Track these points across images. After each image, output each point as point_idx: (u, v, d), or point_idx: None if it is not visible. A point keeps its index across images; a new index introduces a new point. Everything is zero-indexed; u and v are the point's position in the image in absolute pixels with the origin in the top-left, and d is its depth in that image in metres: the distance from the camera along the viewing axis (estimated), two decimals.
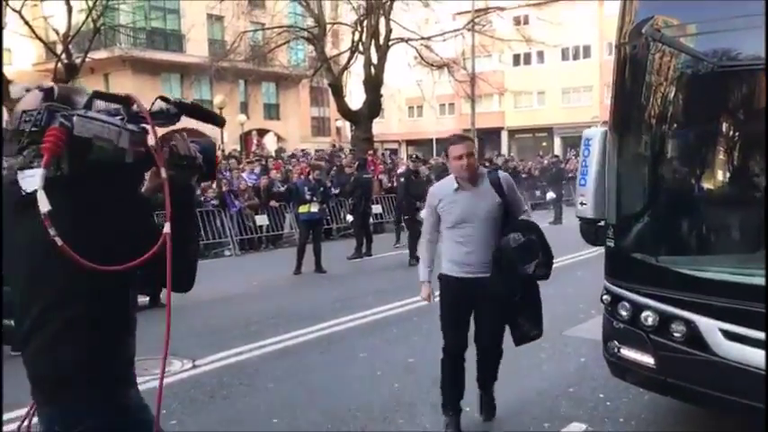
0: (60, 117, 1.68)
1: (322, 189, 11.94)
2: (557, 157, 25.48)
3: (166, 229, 1.75)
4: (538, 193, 22.38)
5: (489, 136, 42.44)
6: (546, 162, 24.83)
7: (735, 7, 3.45)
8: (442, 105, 42.53)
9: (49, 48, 17.22)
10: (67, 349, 1.79)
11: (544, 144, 42.57)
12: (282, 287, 10.42)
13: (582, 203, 4.28)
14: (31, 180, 1.69)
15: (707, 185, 4.03)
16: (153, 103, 1.85)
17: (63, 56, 15.73)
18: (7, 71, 18.40)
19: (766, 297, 3.11)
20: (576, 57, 41.85)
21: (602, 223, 4.14)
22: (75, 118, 1.68)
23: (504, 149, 43.52)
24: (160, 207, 1.81)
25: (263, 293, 9.86)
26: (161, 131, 1.84)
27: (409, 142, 46.67)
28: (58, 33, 16.11)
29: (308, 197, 11.44)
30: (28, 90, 1.81)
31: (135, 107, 1.81)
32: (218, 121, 2.09)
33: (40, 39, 17.09)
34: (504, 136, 44.94)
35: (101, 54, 23.24)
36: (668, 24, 3.81)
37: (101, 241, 1.75)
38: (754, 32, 3.32)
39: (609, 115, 4.13)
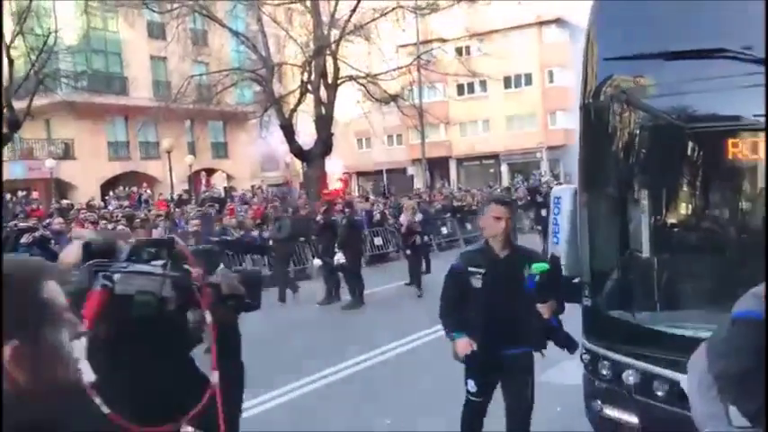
0: (102, 278, 1.62)
1: None
2: (507, 189, 25.87)
3: (214, 379, 1.70)
4: None
5: (438, 164, 42.89)
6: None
7: (701, 67, 3.52)
8: (390, 137, 42.91)
9: None
10: None
11: (491, 171, 43.25)
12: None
13: None
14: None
15: (676, 240, 4.10)
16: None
17: (5, 110, 15.34)
18: None
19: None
20: (518, 85, 42.78)
21: (577, 280, 4.16)
22: (116, 275, 1.63)
23: (453, 177, 44.06)
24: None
25: None
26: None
27: (359, 173, 46.77)
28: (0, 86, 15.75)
29: None
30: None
31: (177, 248, 1.78)
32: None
33: None
34: (453, 164, 45.48)
35: (41, 100, 22.58)
36: (634, 83, 3.88)
37: (139, 398, 1.66)
38: (720, 93, 3.42)
39: (578, 174, 4.17)
